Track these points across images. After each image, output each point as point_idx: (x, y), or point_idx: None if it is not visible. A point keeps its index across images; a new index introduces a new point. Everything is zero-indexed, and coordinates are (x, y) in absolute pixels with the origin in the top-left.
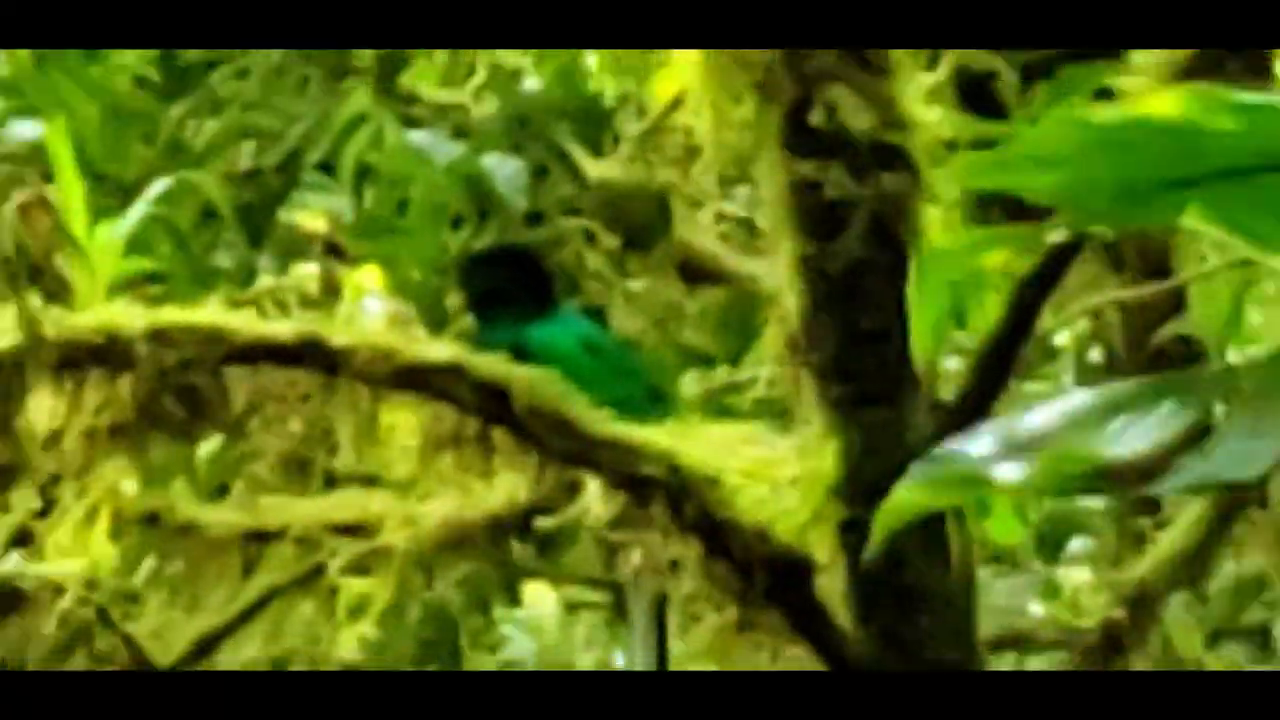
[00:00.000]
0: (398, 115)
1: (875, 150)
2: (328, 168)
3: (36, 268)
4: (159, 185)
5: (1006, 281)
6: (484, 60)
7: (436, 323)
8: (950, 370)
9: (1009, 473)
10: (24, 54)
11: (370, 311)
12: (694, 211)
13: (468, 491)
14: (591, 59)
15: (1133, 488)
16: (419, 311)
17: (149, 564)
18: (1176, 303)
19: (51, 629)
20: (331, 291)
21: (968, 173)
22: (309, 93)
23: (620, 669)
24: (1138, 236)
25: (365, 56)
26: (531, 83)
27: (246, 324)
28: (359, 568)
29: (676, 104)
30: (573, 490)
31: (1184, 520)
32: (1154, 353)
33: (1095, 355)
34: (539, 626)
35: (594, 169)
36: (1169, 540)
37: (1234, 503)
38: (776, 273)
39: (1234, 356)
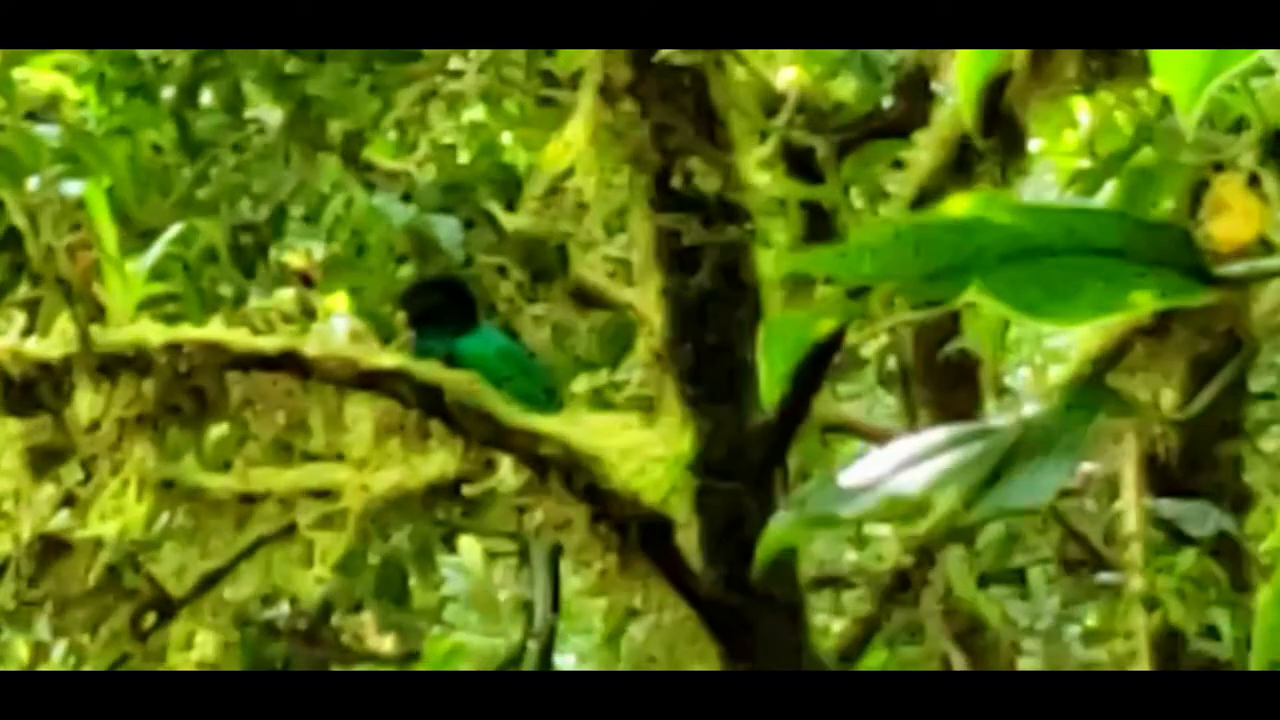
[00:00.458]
0: (361, 181)
1: (721, 206)
2: (307, 219)
3: (80, 294)
4: (173, 230)
5: None
6: (425, 137)
7: (387, 338)
8: None
9: (854, 509)
10: (73, 123)
11: (337, 328)
12: (586, 253)
13: (410, 466)
14: (507, 136)
15: (948, 518)
16: (375, 329)
17: (165, 520)
18: (956, 323)
19: (94, 571)
20: (306, 313)
21: (803, 263)
22: (292, 163)
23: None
24: None
25: (335, 134)
26: (463, 155)
27: (241, 339)
28: (326, 523)
29: (570, 172)
30: (491, 466)
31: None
32: (942, 362)
33: (893, 364)
34: (469, 570)
35: (510, 222)
36: (946, 503)
37: None
38: (646, 300)
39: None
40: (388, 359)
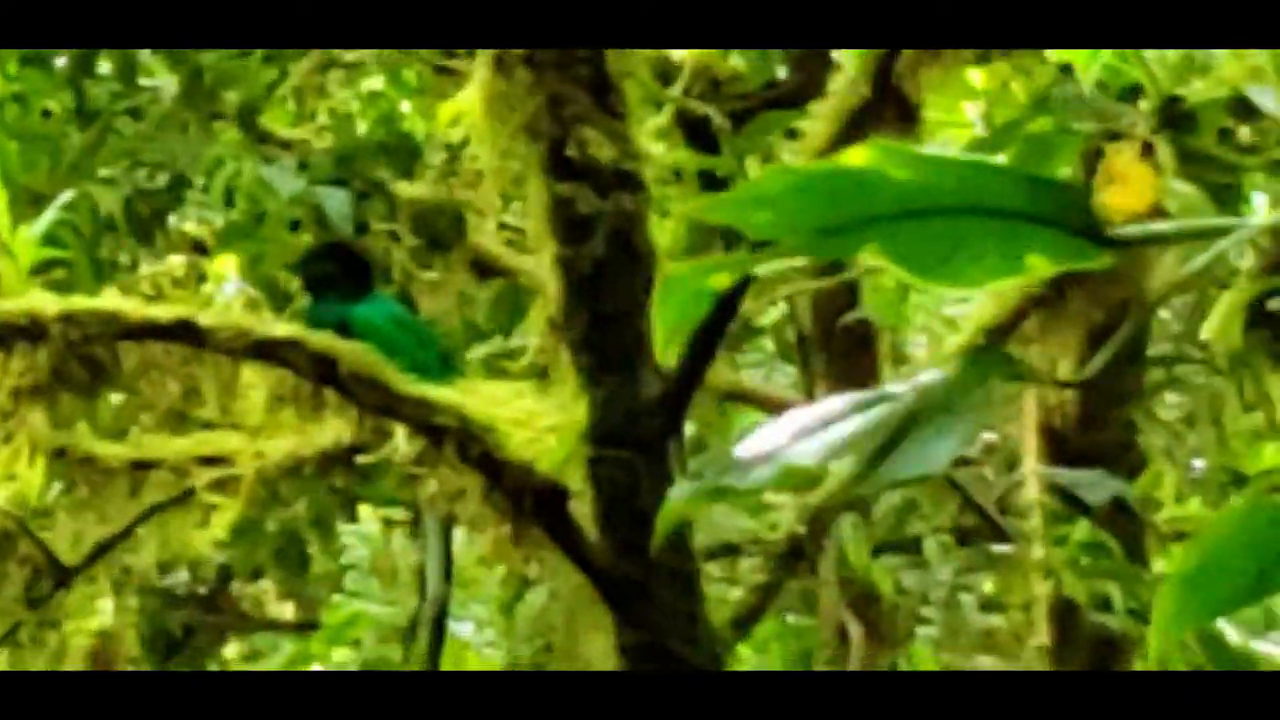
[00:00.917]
0: (256, 152)
1: (615, 176)
2: (207, 187)
3: None
4: (64, 196)
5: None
6: (324, 106)
7: (285, 305)
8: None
9: (750, 480)
10: None
11: (227, 291)
12: (482, 221)
13: (304, 434)
14: (406, 105)
15: (844, 487)
16: (273, 296)
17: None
18: (854, 292)
19: None
20: (196, 278)
21: (701, 209)
22: (189, 132)
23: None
24: None
25: (231, 104)
26: (362, 125)
27: (135, 309)
28: (220, 489)
29: (467, 141)
30: (385, 435)
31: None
32: (841, 331)
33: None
34: (368, 537)
35: (407, 190)
36: (843, 471)
37: None
38: (541, 269)
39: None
40: (281, 328)
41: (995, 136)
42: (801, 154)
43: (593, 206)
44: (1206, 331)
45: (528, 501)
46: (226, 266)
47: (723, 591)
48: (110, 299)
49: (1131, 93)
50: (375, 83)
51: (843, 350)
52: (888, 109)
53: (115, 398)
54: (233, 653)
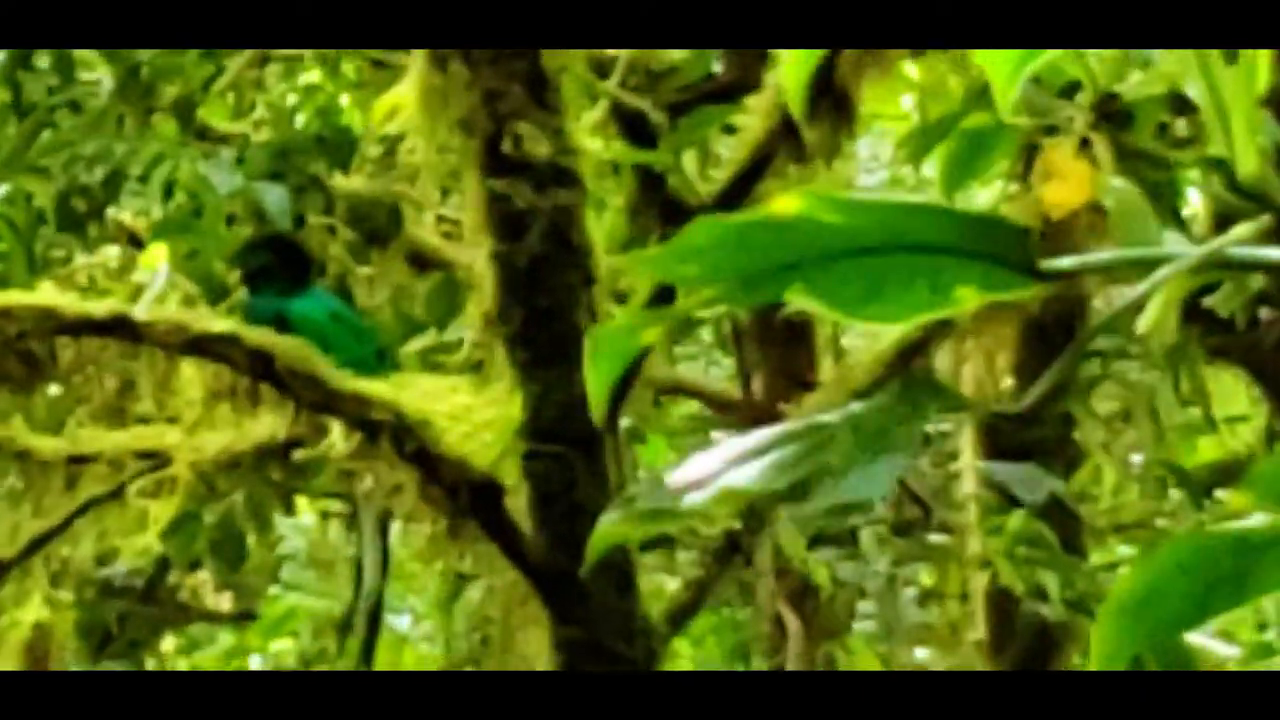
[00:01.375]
0: (194, 146)
1: (552, 171)
2: (142, 180)
3: None
4: None
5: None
6: (262, 99)
7: (220, 297)
8: None
9: (687, 504)
10: None
11: (157, 281)
12: (420, 214)
13: (240, 429)
14: (345, 99)
15: (785, 509)
16: (209, 289)
17: None
18: None
19: None
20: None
21: (639, 265)
22: (125, 126)
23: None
24: None
25: (169, 98)
26: (300, 118)
27: (72, 304)
28: (156, 485)
29: (404, 136)
30: (321, 430)
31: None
32: (778, 323)
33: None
34: (305, 530)
35: (344, 184)
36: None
37: None
38: (477, 264)
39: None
40: (218, 324)
41: (931, 130)
42: (739, 148)
43: (529, 201)
44: (1142, 326)
45: (463, 497)
46: (158, 256)
47: (659, 582)
48: (46, 294)
49: (1070, 88)
50: (313, 76)
51: (780, 342)
52: (824, 103)
53: (52, 391)
54: (170, 645)
